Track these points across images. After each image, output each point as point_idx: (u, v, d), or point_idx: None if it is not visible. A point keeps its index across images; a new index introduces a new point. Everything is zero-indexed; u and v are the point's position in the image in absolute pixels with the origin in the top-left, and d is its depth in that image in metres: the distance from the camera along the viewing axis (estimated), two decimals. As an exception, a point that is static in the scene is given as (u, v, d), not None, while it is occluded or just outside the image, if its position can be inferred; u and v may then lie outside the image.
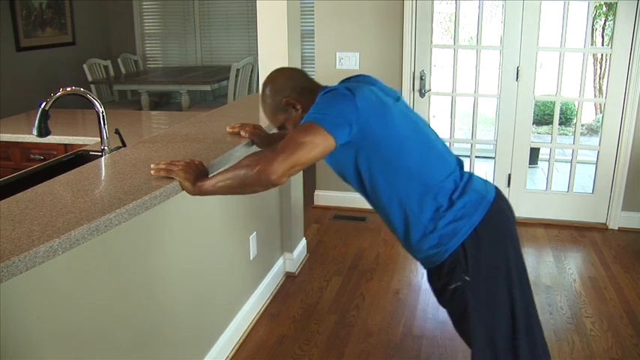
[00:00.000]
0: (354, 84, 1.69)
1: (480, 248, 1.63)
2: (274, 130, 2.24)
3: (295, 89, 1.76)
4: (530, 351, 1.68)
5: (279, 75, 1.83)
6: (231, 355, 2.56)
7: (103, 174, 1.82)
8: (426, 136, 1.71)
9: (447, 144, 4.23)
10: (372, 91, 1.65)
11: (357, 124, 1.57)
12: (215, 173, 1.71)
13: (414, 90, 4.10)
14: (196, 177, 1.71)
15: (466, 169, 1.78)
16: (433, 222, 1.63)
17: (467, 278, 1.63)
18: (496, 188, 1.75)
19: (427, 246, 1.66)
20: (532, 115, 4.05)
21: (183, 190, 1.72)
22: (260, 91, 1.83)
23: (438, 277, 1.69)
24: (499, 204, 1.70)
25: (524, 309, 1.68)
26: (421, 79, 4.06)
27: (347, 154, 1.64)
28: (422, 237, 1.66)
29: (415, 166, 1.64)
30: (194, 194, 1.72)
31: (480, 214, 1.64)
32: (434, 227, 1.63)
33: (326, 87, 1.72)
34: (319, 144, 1.54)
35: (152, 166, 1.74)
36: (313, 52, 4.47)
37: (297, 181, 3.36)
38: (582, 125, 6.23)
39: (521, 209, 4.13)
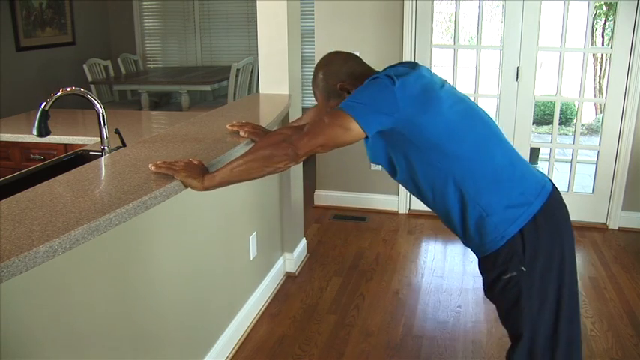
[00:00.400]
0: (400, 69, 1.63)
1: (538, 238, 1.58)
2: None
3: (350, 74, 1.72)
4: (568, 347, 1.65)
5: (334, 58, 1.78)
6: (231, 355, 2.56)
7: (103, 174, 1.82)
8: (481, 120, 1.65)
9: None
10: (417, 79, 1.59)
11: (396, 114, 1.52)
12: (227, 163, 1.70)
13: (414, 90, 4.09)
14: (199, 173, 1.71)
15: None
16: (491, 206, 1.58)
17: (523, 268, 1.58)
18: (551, 180, 1.72)
19: (483, 231, 1.61)
20: (532, 115, 4.05)
21: (187, 188, 1.72)
22: (313, 75, 1.79)
23: (494, 266, 1.63)
24: (557, 194, 1.68)
25: (570, 304, 1.64)
26: (421, 79, 4.05)
27: (388, 142, 1.61)
28: (479, 220, 1.60)
29: (471, 151, 1.58)
30: (203, 189, 1.71)
31: (540, 202, 1.60)
32: (491, 211, 1.58)
33: (377, 72, 1.67)
34: (345, 133, 1.53)
35: (150, 166, 1.74)
36: (313, 52, 4.47)
37: (297, 181, 3.36)
38: (582, 125, 6.23)
39: (521, 209, 4.13)
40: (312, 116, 2.04)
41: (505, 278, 1.60)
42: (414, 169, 1.63)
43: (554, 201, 1.65)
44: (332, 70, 1.74)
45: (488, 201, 1.59)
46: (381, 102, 1.53)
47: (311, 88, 1.86)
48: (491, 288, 1.67)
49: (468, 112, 1.64)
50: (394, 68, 1.66)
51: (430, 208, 1.73)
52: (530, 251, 1.58)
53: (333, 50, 1.86)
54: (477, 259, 1.72)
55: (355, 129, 1.52)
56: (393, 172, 1.72)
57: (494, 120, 1.74)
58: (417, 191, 1.71)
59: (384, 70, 1.67)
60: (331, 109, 1.72)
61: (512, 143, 1.59)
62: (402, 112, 1.52)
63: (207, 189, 1.71)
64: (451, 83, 1.79)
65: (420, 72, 1.64)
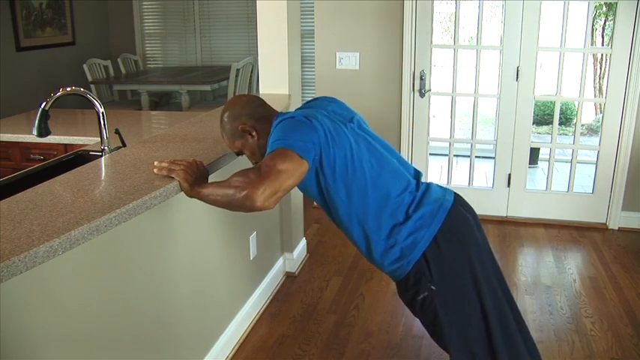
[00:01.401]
0: (307, 111, 1.77)
1: (441, 256, 1.68)
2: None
3: (251, 116, 1.83)
4: (508, 349, 1.71)
5: (237, 102, 1.89)
6: (231, 355, 2.56)
7: (103, 174, 1.82)
8: (378, 153, 1.76)
9: (447, 144, 4.26)
10: (325, 116, 1.73)
11: (317, 149, 1.64)
12: (212, 182, 1.74)
13: (413, 90, 4.10)
14: (195, 179, 1.74)
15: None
16: (393, 237, 1.70)
17: (433, 287, 1.68)
18: (455, 194, 1.81)
19: (389, 260, 1.72)
20: (532, 115, 4.04)
21: (181, 190, 1.73)
22: (220, 119, 1.88)
23: (406, 289, 1.74)
24: (457, 209, 1.75)
25: (495, 308, 1.71)
26: (421, 79, 4.06)
27: (310, 177, 1.70)
28: (384, 252, 1.72)
29: (369, 184, 1.69)
30: (191, 196, 1.75)
31: (438, 222, 1.69)
32: (394, 242, 1.70)
33: (281, 113, 1.79)
34: (296, 169, 1.60)
35: (155, 163, 1.77)
36: (313, 52, 4.47)
37: (297, 181, 3.36)
38: (582, 125, 6.23)
39: (521, 209, 4.13)
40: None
41: (419, 299, 1.70)
42: (326, 205, 1.77)
43: (453, 217, 1.72)
44: (234, 114, 1.84)
45: (388, 233, 1.70)
46: (308, 138, 1.63)
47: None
48: (412, 310, 1.78)
49: (367, 146, 1.75)
50: (302, 110, 1.81)
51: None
52: (436, 270, 1.67)
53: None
54: None
55: (303, 164, 1.62)
56: (319, 202, 1.82)
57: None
58: (332, 220, 1.83)
59: (295, 110, 1.83)
60: (238, 150, 1.86)
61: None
62: (321, 147, 1.64)
63: (192, 197, 1.75)
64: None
65: (329, 107, 1.81)
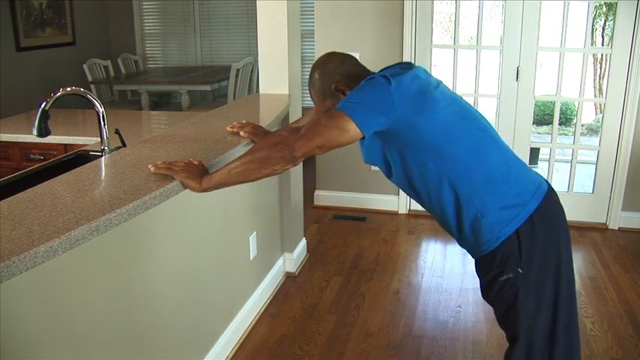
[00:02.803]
0: (395, 70, 1.64)
1: (534, 238, 1.58)
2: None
3: (345, 75, 1.72)
4: (566, 349, 1.65)
5: (330, 59, 1.78)
6: (231, 355, 2.56)
7: (103, 174, 1.82)
8: (476, 120, 1.65)
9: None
10: (413, 79, 1.60)
11: (393, 114, 1.52)
12: (225, 164, 1.71)
13: (414, 90, 4.09)
14: (198, 174, 1.71)
15: None
16: (486, 206, 1.58)
17: (520, 270, 1.57)
18: (547, 181, 1.72)
19: (479, 231, 1.60)
20: (532, 115, 4.05)
21: (186, 189, 1.72)
22: (309, 75, 1.80)
23: (490, 267, 1.62)
24: (553, 194, 1.68)
25: (568, 305, 1.64)
26: (421, 79, 4.05)
27: (384, 142, 1.61)
28: (474, 220, 1.60)
29: (466, 151, 1.58)
30: (201, 190, 1.71)
31: (536, 202, 1.59)
32: (486, 212, 1.58)
33: (372, 73, 1.67)
34: (343, 134, 1.53)
35: (150, 167, 1.74)
36: (313, 52, 4.47)
37: (297, 181, 3.36)
38: (582, 125, 6.23)
39: (521, 209, 4.13)
40: (311, 117, 2.05)
41: (502, 280, 1.60)
42: (410, 170, 1.64)
43: (550, 201, 1.64)
44: (327, 71, 1.75)
45: (483, 201, 1.59)
46: (377, 102, 1.54)
47: (306, 90, 1.87)
48: (488, 290, 1.67)
49: (464, 112, 1.64)
50: (390, 69, 1.67)
51: (426, 208, 1.73)
52: (527, 252, 1.58)
53: (331, 50, 1.87)
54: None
55: (352, 129, 1.53)
56: (388, 172, 1.73)
57: (490, 121, 1.74)
58: (412, 192, 1.70)
59: (380, 71, 1.67)
60: (327, 109, 1.72)
61: (512, 143, 1.60)
62: (398, 112, 1.53)
63: (204, 190, 1.71)
64: (451, 83, 1.81)
65: (416, 73, 1.64)
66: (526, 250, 1.57)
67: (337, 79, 1.72)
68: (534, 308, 1.61)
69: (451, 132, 1.58)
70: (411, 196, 1.74)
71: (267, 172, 1.63)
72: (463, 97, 1.73)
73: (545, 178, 1.75)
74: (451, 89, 1.74)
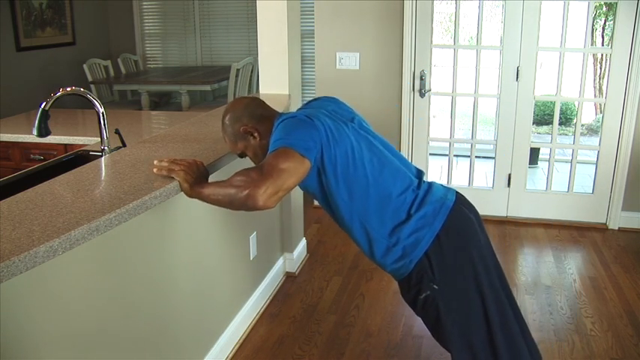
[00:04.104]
0: (308, 110, 1.78)
1: (443, 255, 1.68)
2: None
3: (252, 117, 1.83)
4: (510, 350, 1.72)
5: (237, 104, 1.89)
6: (231, 355, 2.56)
7: (103, 174, 1.82)
8: (379, 152, 1.76)
9: (447, 144, 4.26)
10: (327, 116, 1.74)
11: (319, 147, 1.64)
12: (213, 182, 1.74)
13: (413, 90, 4.10)
14: (196, 179, 1.74)
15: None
16: (395, 236, 1.70)
17: (435, 287, 1.68)
18: (456, 192, 1.80)
19: (392, 259, 1.72)
20: (532, 115, 4.04)
21: (181, 190, 1.73)
22: (221, 122, 1.89)
23: (408, 288, 1.74)
24: (459, 208, 1.75)
25: (497, 307, 1.71)
26: (421, 79, 4.06)
27: (312, 176, 1.70)
28: (386, 251, 1.72)
29: (371, 183, 1.69)
30: (191, 197, 1.75)
31: (440, 221, 1.69)
32: (396, 240, 1.70)
33: (282, 114, 1.80)
34: (298, 168, 1.60)
35: (155, 162, 1.77)
36: (313, 52, 4.47)
37: (297, 181, 3.36)
38: (582, 125, 6.23)
39: (521, 209, 4.13)
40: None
41: (422, 298, 1.71)
42: (328, 207, 1.79)
43: (456, 214, 1.72)
44: (235, 116, 1.84)
45: (390, 232, 1.70)
46: (310, 137, 1.64)
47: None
48: (414, 308, 1.77)
49: (368, 145, 1.75)
50: (304, 110, 1.82)
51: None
52: (438, 269, 1.67)
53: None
54: None
55: (304, 162, 1.62)
56: (321, 201, 1.82)
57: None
58: (334, 219, 1.84)
59: (299, 109, 1.85)
60: (240, 151, 1.86)
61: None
62: (322, 146, 1.65)
63: (192, 197, 1.75)
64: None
65: (329, 107, 1.81)
66: (438, 267, 1.67)
67: (245, 121, 1.82)
68: (464, 319, 1.70)
69: (358, 164, 1.69)
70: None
71: (236, 210, 1.67)
72: (373, 131, 1.87)
73: (450, 187, 1.86)
74: (362, 121, 1.88)
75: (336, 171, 1.68)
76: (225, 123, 1.85)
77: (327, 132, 1.66)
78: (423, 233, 1.67)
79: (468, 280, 1.69)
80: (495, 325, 1.69)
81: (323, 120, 1.69)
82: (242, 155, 1.91)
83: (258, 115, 1.83)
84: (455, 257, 1.69)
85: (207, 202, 1.73)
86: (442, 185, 1.83)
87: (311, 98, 1.94)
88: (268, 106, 1.90)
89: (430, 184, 1.80)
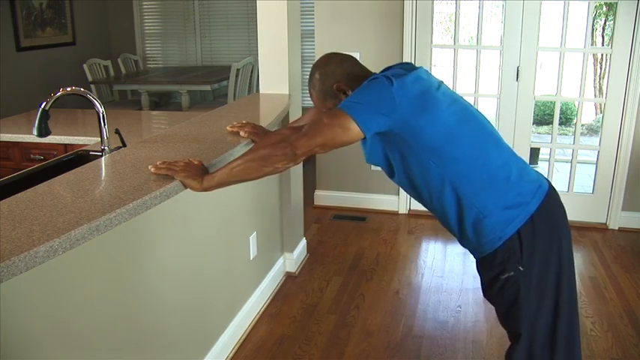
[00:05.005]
0: (397, 70, 1.63)
1: (535, 237, 1.59)
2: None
3: (346, 75, 1.72)
4: (568, 347, 1.66)
5: (331, 60, 1.78)
6: (231, 355, 2.56)
7: (103, 174, 1.82)
8: (477, 120, 1.65)
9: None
10: (415, 81, 1.60)
11: (394, 115, 1.53)
12: (226, 163, 1.71)
13: (414, 90, 4.09)
14: (199, 174, 1.71)
15: None
16: (487, 207, 1.59)
17: (520, 268, 1.59)
18: (547, 179, 1.72)
19: (481, 232, 1.61)
20: (532, 115, 4.05)
21: (187, 188, 1.72)
22: (309, 76, 1.80)
23: (491, 266, 1.63)
24: (554, 193, 1.68)
25: (569, 303, 1.65)
26: (421, 79, 4.05)
27: (386, 143, 1.62)
28: (475, 221, 1.61)
29: (467, 152, 1.59)
30: (202, 190, 1.71)
31: (536, 202, 1.60)
32: (488, 213, 1.59)
33: (374, 74, 1.67)
34: (344, 133, 1.53)
35: (150, 167, 1.74)
36: (313, 52, 4.47)
37: (297, 181, 3.36)
38: (582, 125, 6.23)
39: (521, 209, 4.12)
40: (312, 116, 2.05)
41: (503, 278, 1.61)
42: (411, 171, 1.64)
43: (551, 200, 1.65)
44: (328, 71, 1.75)
45: (484, 202, 1.59)
46: (379, 103, 1.54)
47: (305, 90, 1.87)
48: (490, 288, 1.68)
49: (464, 113, 1.64)
50: (392, 70, 1.67)
51: (428, 208, 1.73)
52: (528, 251, 1.58)
53: (332, 51, 1.86)
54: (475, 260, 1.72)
55: (354, 129, 1.53)
56: (390, 173, 1.73)
57: (490, 121, 1.74)
58: (414, 192, 1.71)
59: (382, 71, 1.68)
60: (328, 109, 1.72)
61: (512, 143, 1.60)
62: (399, 114, 1.53)
63: (205, 189, 1.71)
64: (451, 83, 1.80)
65: (418, 74, 1.64)
66: (527, 249, 1.58)
67: (338, 79, 1.72)
68: (535, 307, 1.62)
69: (452, 134, 1.58)
70: (413, 197, 1.74)
71: (268, 170, 1.63)
72: (464, 97, 1.73)
73: (546, 177, 1.75)
74: (452, 89, 1.74)
75: (423, 138, 1.56)
76: (315, 77, 1.75)
77: (410, 97, 1.55)
78: (519, 211, 1.58)
79: (550, 269, 1.61)
80: (562, 322, 1.63)
81: (407, 85, 1.56)
82: None
83: (352, 74, 1.72)
84: (545, 242, 1.61)
85: (227, 183, 1.68)
86: (533, 168, 1.75)
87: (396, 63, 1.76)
88: (361, 64, 1.79)
89: (525, 162, 1.71)
